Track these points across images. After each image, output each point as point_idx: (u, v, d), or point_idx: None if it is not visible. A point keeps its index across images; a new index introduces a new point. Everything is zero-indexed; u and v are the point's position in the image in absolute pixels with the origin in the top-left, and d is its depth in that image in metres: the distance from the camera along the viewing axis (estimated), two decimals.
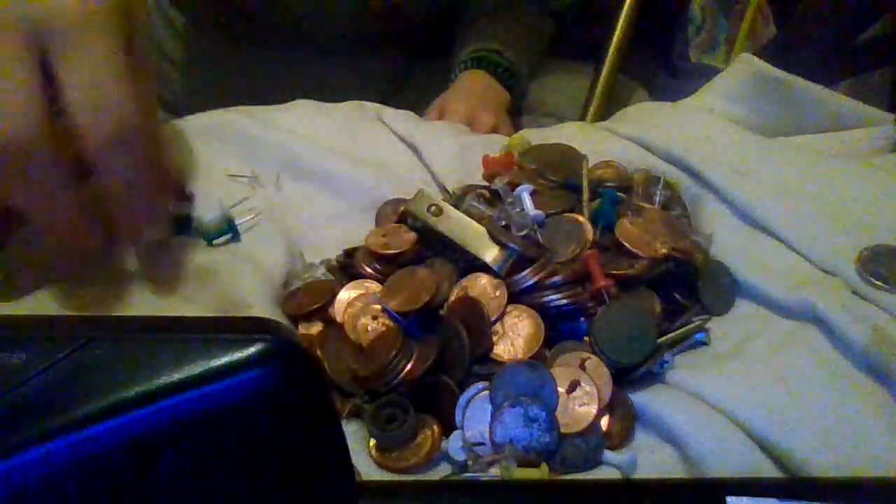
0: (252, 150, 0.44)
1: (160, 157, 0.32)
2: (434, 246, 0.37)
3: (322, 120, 0.46)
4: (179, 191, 0.39)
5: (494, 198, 0.40)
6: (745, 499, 0.25)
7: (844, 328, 0.32)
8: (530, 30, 0.69)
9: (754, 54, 0.45)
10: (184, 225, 0.39)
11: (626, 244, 0.36)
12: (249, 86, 0.64)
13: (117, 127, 0.29)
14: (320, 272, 0.40)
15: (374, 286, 0.36)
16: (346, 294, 0.36)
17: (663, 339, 0.34)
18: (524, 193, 0.38)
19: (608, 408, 0.32)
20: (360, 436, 0.32)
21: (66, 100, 0.28)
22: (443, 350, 0.33)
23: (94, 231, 0.30)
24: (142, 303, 0.36)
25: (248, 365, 0.16)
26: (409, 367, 0.32)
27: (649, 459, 0.30)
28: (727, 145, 0.42)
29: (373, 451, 0.31)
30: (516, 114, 0.66)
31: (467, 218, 0.37)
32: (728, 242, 0.38)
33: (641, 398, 0.32)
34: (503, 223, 0.37)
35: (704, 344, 0.35)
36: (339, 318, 0.36)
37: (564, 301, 0.34)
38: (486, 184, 0.42)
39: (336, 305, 0.36)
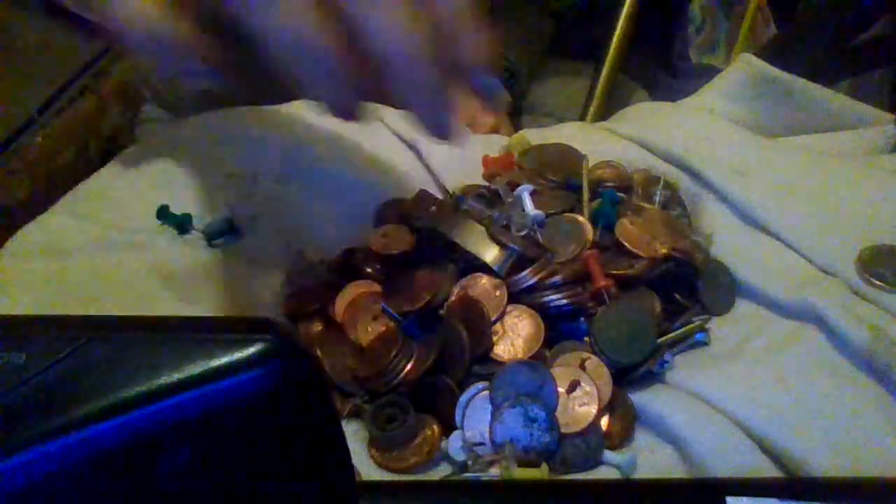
0: (252, 149, 0.44)
1: None
2: (434, 246, 0.37)
3: (322, 120, 0.46)
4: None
5: (494, 198, 0.40)
6: (745, 499, 0.25)
7: (844, 328, 0.32)
8: (530, 30, 0.69)
9: (754, 54, 0.45)
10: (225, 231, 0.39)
11: (626, 244, 0.36)
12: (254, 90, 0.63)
13: None
14: (320, 272, 0.40)
15: (374, 286, 0.36)
16: (346, 294, 0.36)
17: (663, 339, 0.34)
18: (524, 193, 0.38)
19: (608, 408, 0.32)
20: (360, 436, 0.32)
21: None
22: (443, 350, 0.33)
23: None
24: (142, 303, 0.36)
25: (248, 365, 0.16)
26: (409, 367, 0.32)
27: (649, 459, 0.30)
28: (727, 145, 0.42)
29: (373, 451, 0.31)
30: (516, 114, 0.66)
31: (467, 218, 0.37)
32: (728, 242, 0.38)
33: (641, 398, 0.32)
34: (503, 223, 0.37)
35: (704, 344, 0.35)
36: (339, 318, 0.36)
37: (564, 301, 0.34)
38: (486, 184, 0.42)
39: (336, 305, 0.36)
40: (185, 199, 0.41)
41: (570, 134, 0.46)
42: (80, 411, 0.16)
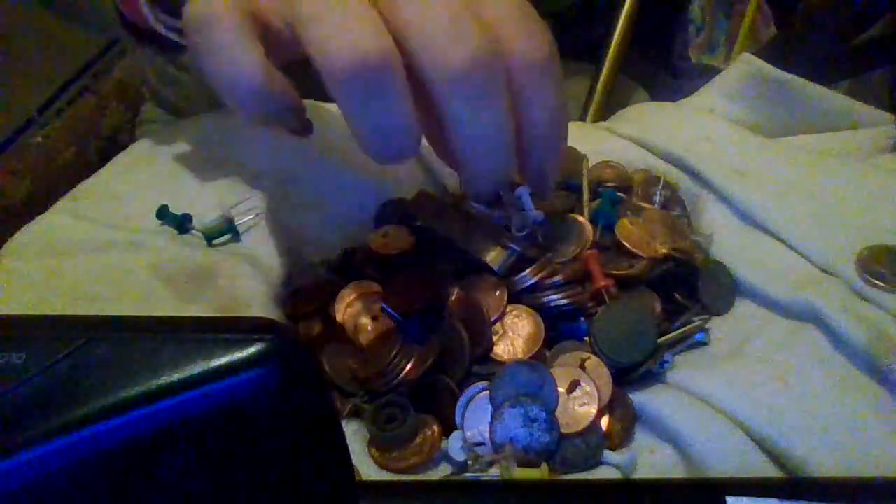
0: (253, 149, 0.44)
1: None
2: (434, 246, 0.37)
3: (323, 120, 0.46)
4: None
5: (494, 198, 0.40)
6: (745, 499, 0.25)
7: (844, 328, 0.32)
8: None
9: (754, 54, 0.45)
10: (225, 231, 0.39)
11: (626, 244, 0.36)
12: None
13: (550, 46, 0.29)
14: (320, 272, 0.40)
15: (374, 286, 0.36)
16: (346, 294, 0.36)
17: (663, 339, 0.34)
18: (524, 193, 0.38)
19: (608, 408, 0.32)
20: (360, 436, 0.32)
21: (491, 26, 0.28)
22: (443, 350, 0.33)
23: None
24: (142, 303, 0.36)
25: (248, 365, 0.16)
26: (409, 367, 0.32)
27: (649, 459, 0.30)
28: (727, 145, 0.42)
29: (373, 451, 0.31)
30: None
31: (467, 218, 0.37)
32: (728, 242, 0.38)
33: (641, 398, 0.32)
34: (503, 223, 0.37)
35: (704, 344, 0.35)
36: (339, 318, 0.36)
37: (564, 301, 0.34)
38: None
39: (336, 305, 0.36)
40: (185, 199, 0.41)
41: (570, 134, 0.45)
42: (80, 411, 0.16)
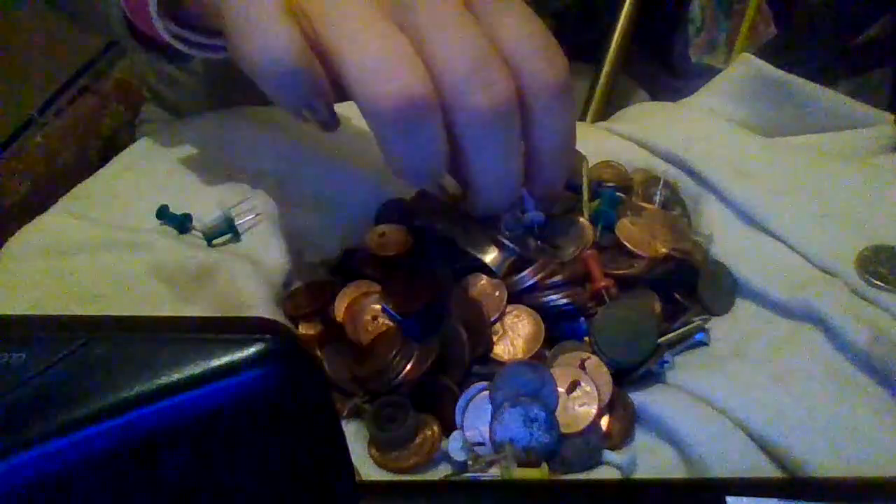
0: (252, 149, 0.44)
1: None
2: (434, 246, 0.37)
3: None
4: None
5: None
6: (744, 499, 0.25)
7: (845, 328, 0.32)
8: None
9: (754, 54, 0.45)
10: (225, 231, 0.39)
11: (626, 244, 0.36)
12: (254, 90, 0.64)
13: (565, 73, 0.30)
14: (320, 272, 0.40)
15: (374, 286, 0.36)
16: (346, 294, 0.36)
17: (663, 339, 0.34)
18: (524, 193, 0.38)
19: (608, 408, 0.32)
20: (360, 436, 0.32)
21: (510, 51, 0.30)
22: (443, 350, 0.33)
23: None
24: (142, 303, 0.36)
25: (248, 365, 0.17)
26: (409, 367, 0.32)
27: (649, 459, 0.30)
28: (727, 145, 0.42)
29: (373, 451, 0.31)
30: None
31: (467, 218, 0.37)
32: (728, 242, 0.38)
33: (641, 398, 0.32)
34: (503, 223, 0.37)
35: (704, 344, 0.35)
36: (339, 318, 0.36)
37: (564, 301, 0.34)
38: None
39: (336, 305, 0.36)
40: (185, 199, 0.41)
41: None
42: (80, 411, 0.16)
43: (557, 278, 0.35)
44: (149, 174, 0.44)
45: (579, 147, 0.42)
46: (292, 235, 0.41)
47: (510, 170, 0.32)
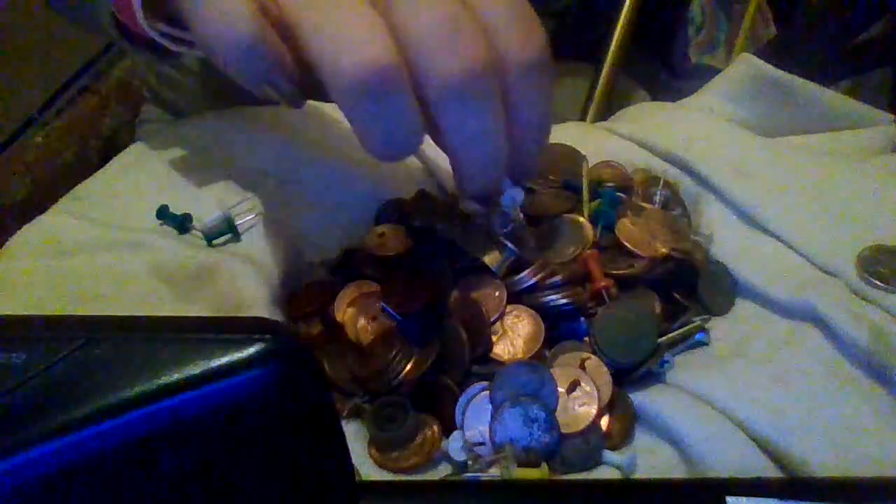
0: (253, 149, 0.44)
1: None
2: (433, 246, 0.37)
3: (322, 120, 0.46)
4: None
5: (494, 198, 0.40)
6: (744, 499, 0.25)
7: (845, 328, 0.32)
8: None
9: (754, 54, 0.45)
10: (225, 231, 0.39)
11: (626, 244, 0.36)
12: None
13: (543, 47, 0.29)
14: (320, 272, 0.40)
15: (374, 286, 0.36)
16: (346, 294, 0.36)
17: (663, 339, 0.34)
18: (507, 187, 0.37)
19: (608, 408, 0.32)
20: (360, 436, 0.32)
21: (485, 19, 0.29)
22: (443, 350, 0.33)
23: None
24: (142, 303, 0.36)
25: (248, 365, 0.17)
26: (409, 367, 0.32)
27: (649, 459, 0.30)
28: (727, 145, 0.42)
29: (373, 451, 0.31)
30: None
31: (466, 218, 0.37)
32: (728, 242, 0.38)
33: (641, 398, 0.32)
34: (492, 223, 0.37)
35: (704, 344, 0.35)
36: (339, 318, 0.36)
37: (564, 301, 0.34)
38: None
39: (336, 305, 0.36)
40: (185, 199, 0.41)
41: (570, 134, 0.46)
42: (80, 411, 0.16)
43: (557, 278, 0.35)
44: (149, 174, 0.44)
45: (579, 147, 0.42)
46: (292, 235, 0.41)
47: (491, 140, 0.30)
